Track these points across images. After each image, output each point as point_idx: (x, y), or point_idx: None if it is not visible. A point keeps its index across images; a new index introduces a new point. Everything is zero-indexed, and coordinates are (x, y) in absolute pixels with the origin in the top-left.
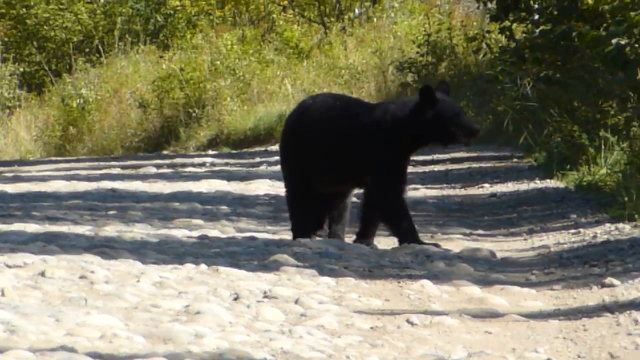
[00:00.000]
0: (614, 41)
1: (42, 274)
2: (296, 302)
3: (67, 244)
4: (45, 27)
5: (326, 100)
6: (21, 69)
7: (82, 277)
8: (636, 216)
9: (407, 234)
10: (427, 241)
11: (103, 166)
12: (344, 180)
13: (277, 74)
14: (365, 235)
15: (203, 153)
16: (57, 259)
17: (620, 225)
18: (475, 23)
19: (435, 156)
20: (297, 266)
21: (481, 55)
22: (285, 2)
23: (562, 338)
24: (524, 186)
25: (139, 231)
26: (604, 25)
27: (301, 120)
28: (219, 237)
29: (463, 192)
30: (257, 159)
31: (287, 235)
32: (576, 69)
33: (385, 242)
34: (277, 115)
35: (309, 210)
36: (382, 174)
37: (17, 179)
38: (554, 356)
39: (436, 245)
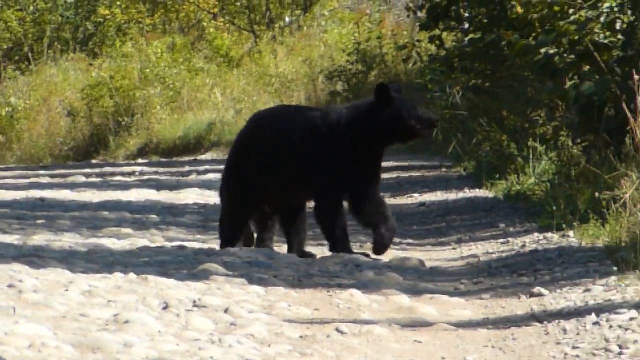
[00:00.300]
0: (543, 50)
1: None
2: (226, 311)
3: None
4: None
5: (279, 110)
6: None
7: (10, 286)
8: (564, 226)
9: (338, 242)
10: (356, 251)
11: (32, 175)
12: (301, 190)
13: (207, 82)
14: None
15: (133, 162)
16: None
17: (549, 234)
18: (405, 32)
19: None
20: (227, 275)
21: (411, 64)
22: (216, 10)
23: (491, 347)
24: (453, 196)
25: (68, 240)
26: (533, 34)
27: (255, 131)
28: (149, 246)
29: (392, 201)
30: (187, 168)
31: (217, 245)
32: (505, 78)
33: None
34: (207, 124)
35: (247, 223)
36: (325, 177)
37: None
38: None
39: (366, 254)
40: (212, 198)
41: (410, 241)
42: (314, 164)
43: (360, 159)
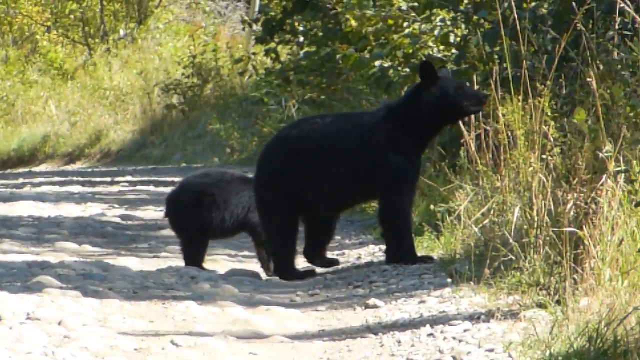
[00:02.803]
0: (377, 63)
1: None
2: (59, 323)
3: None
4: None
5: (315, 121)
6: None
7: None
8: None
9: (407, 252)
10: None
11: None
12: (353, 198)
13: (41, 94)
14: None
15: None
16: None
17: (384, 246)
18: (240, 45)
19: None
20: (61, 288)
21: (247, 77)
22: (49, 23)
23: (327, 359)
24: None
25: None
26: (368, 47)
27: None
28: None
29: None
30: (21, 180)
31: (51, 257)
32: (340, 91)
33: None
34: (42, 136)
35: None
36: (393, 179)
37: None
38: None
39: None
40: (47, 210)
41: (246, 253)
42: (374, 163)
43: (414, 147)
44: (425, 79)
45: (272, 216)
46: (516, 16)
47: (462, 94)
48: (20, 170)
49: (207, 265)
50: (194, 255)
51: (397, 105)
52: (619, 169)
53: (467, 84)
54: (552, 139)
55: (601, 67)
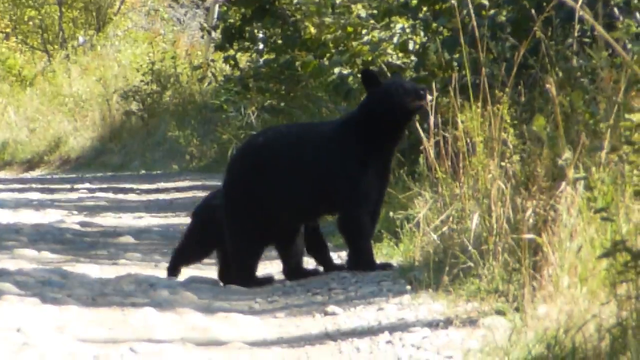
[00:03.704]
0: (336, 70)
1: None
2: (18, 330)
3: None
4: None
5: (279, 130)
6: None
7: None
8: None
9: (366, 259)
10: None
11: None
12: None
13: (0, 101)
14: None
15: None
16: None
17: (343, 253)
18: (199, 52)
19: (160, 185)
20: (20, 295)
21: (206, 84)
22: (8, 30)
23: None
24: None
25: None
26: (327, 54)
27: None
28: None
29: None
30: None
31: (10, 264)
32: (300, 98)
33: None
34: (0, 142)
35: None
36: (349, 189)
37: None
38: None
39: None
40: (5, 217)
41: (206, 260)
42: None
43: (370, 156)
44: (370, 86)
45: (237, 223)
46: (475, 24)
47: (402, 92)
48: None
49: (166, 272)
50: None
51: (351, 114)
52: (578, 176)
53: (408, 80)
54: (511, 146)
55: (560, 74)
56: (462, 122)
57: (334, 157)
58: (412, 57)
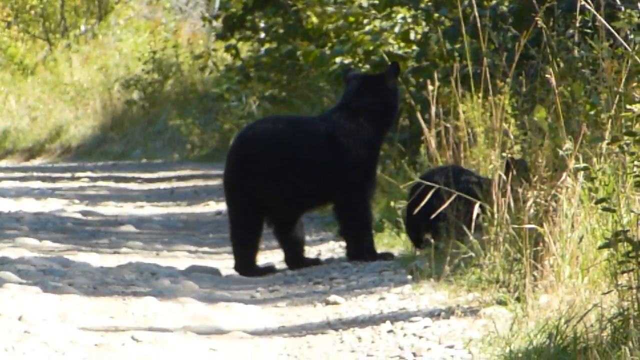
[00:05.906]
0: (337, 60)
1: None
2: (20, 319)
3: None
4: None
5: (278, 119)
6: None
7: None
8: None
9: (367, 249)
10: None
11: None
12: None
13: (2, 90)
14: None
15: None
16: None
17: (344, 243)
18: (201, 41)
19: (162, 174)
20: (21, 283)
21: (207, 73)
22: (10, 19)
23: (287, 355)
24: None
25: None
26: (329, 44)
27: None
28: None
29: (189, 209)
30: None
31: (11, 253)
32: (301, 88)
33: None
34: (1, 131)
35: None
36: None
37: None
38: None
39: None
40: (7, 206)
41: (207, 249)
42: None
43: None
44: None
45: (236, 212)
46: (477, 14)
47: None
48: None
49: (167, 261)
50: None
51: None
52: (579, 166)
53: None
54: (512, 137)
55: (561, 64)
56: (464, 112)
57: (339, 147)
58: (414, 47)
